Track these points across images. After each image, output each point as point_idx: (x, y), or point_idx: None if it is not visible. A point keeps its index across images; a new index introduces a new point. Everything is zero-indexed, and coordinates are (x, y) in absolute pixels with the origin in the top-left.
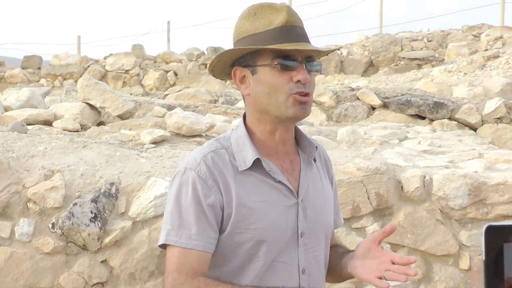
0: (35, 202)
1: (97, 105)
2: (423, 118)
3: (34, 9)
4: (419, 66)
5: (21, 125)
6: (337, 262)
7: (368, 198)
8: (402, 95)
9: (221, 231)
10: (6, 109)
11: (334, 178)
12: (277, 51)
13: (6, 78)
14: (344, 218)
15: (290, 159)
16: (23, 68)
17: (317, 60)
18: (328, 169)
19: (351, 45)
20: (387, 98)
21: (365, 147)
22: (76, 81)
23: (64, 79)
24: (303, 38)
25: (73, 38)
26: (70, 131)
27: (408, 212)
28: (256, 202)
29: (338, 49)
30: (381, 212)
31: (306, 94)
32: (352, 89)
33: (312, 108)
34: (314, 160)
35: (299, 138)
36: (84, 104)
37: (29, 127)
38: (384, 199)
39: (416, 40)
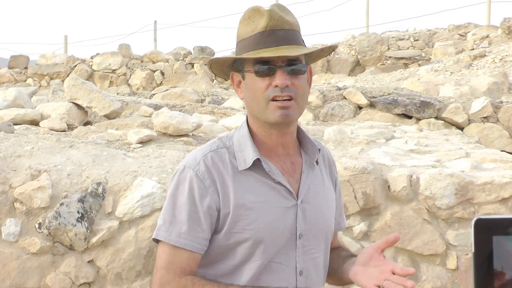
0: (21, 202)
1: (84, 105)
2: (410, 117)
3: (21, 8)
4: (406, 66)
5: (8, 125)
6: (339, 265)
7: (355, 197)
8: (389, 94)
9: (218, 230)
10: None
11: (338, 181)
12: (253, 58)
13: None
14: None
15: (291, 161)
16: (10, 67)
17: (303, 62)
18: (331, 172)
19: (338, 44)
20: (373, 97)
21: (352, 147)
22: (63, 81)
23: (51, 78)
24: (286, 41)
25: (60, 37)
26: (57, 131)
27: (395, 212)
28: (255, 203)
29: (327, 50)
30: (368, 211)
31: (290, 98)
32: (339, 89)
33: None
34: (317, 162)
35: (302, 140)
36: (71, 104)
37: (16, 127)
38: (371, 199)
39: (403, 39)
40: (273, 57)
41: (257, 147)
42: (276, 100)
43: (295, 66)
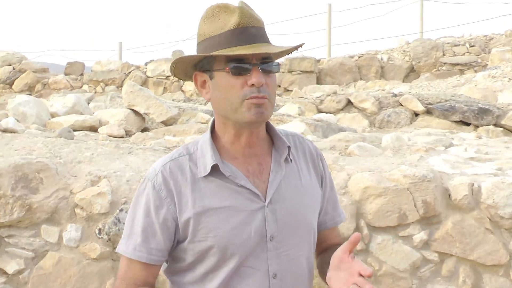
0: (82, 207)
1: (142, 111)
2: (467, 124)
3: (76, 16)
4: (461, 72)
5: (68, 131)
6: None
7: (415, 206)
8: (446, 101)
9: (181, 240)
10: (53, 115)
11: (326, 173)
12: (228, 56)
13: (50, 84)
14: (390, 226)
15: (258, 161)
16: (66, 74)
17: (275, 61)
18: (316, 166)
19: (392, 51)
20: (430, 104)
21: (410, 154)
22: (117, 87)
23: (106, 85)
24: (258, 38)
25: (115, 44)
26: (115, 137)
27: (456, 221)
28: (216, 209)
29: (297, 48)
30: (428, 220)
31: (263, 97)
32: (395, 95)
33: (354, 114)
34: (291, 160)
35: (273, 138)
36: (129, 110)
37: (75, 133)
38: (431, 207)
39: (458, 45)
40: (249, 55)
41: (220, 151)
42: (251, 99)
43: (269, 65)
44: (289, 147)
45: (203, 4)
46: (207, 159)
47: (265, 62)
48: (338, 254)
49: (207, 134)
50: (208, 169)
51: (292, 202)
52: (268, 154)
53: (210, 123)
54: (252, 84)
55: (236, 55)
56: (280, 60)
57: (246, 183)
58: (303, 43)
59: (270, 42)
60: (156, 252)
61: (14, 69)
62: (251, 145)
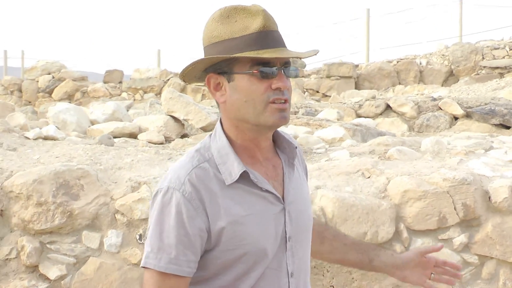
0: (122, 213)
1: (181, 118)
2: (507, 127)
3: (115, 24)
4: (501, 75)
5: (108, 138)
6: (359, 251)
7: (455, 209)
8: (486, 104)
9: (210, 248)
10: (93, 122)
11: (306, 168)
12: (255, 58)
13: (89, 92)
14: (430, 229)
15: (272, 164)
16: (105, 82)
17: (294, 66)
18: (300, 161)
19: (430, 55)
20: (469, 107)
21: (450, 158)
22: (156, 94)
23: (145, 92)
24: (280, 43)
25: (153, 52)
26: (155, 144)
27: (496, 223)
28: (245, 216)
29: (315, 54)
30: (468, 223)
31: (285, 101)
32: (434, 99)
33: (393, 118)
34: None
35: (276, 139)
36: (168, 116)
37: (115, 139)
38: (471, 210)
39: (498, 48)
40: (274, 58)
41: (239, 156)
42: (275, 103)
43: (293, 69)
44: (296, 147)
45: None
46: (230, 166)
47: (286, 67)
48: (414, 258)
49: (222, 139)
50: (235, 177)
51: (300, 202)
52: (275, 155)
53: (217, 128)
54: (278, 88)
55: (267, 58)
56: (318, 66)
57: (269, 188)
58: (318, 50)
59: (286, 47)
60: (190, 263)
61: (53, 77)
62: (266, 149)
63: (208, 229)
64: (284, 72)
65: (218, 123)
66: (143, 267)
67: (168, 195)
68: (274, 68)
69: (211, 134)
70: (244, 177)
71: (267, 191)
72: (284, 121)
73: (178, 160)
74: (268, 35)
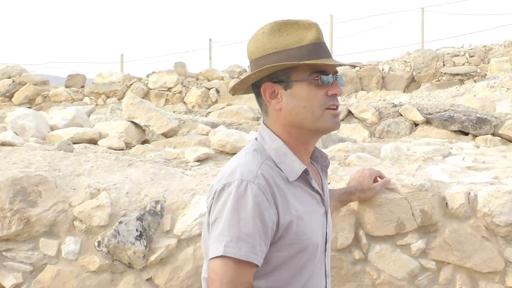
0: (81, 220)
1: (142, 124)
2: (466, 134)
3: (78, 28)
4: (461, 82)
5: (67, 144)
6: (341, 201)
7: (413, 215)
8: (445, 111)
9: (274, 242)
10: (52, 128)
11: None
12: (314, 66)
13: (51, 97)
14: (388, 235)
15: (314, 169)
16: (67, 86)
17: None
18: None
19: (393, 61)
20: (429, 114)
21: (409, 164)
22: (119, 99)
23: (107, 97)
24: (330, 54)
25: (116, 56)
26: (115, 150)
27: (453, 229)
28: (306, 212)
29: (360, 65)
30: (426, 229)
31: (337, 107)
32: (395, 105)
33: (354, 124)
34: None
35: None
36: (129, 122)
37: (75, 145)
38: (429, 216)
39: (458, 55)
40: (330, 67)
41: None
42: (330, 109)
43: (340, 77)
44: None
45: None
46: (290, 164)
47: (337, 75)
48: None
49: (278, 141)
50: (297, 174)
51: (329, 208)
52: (310, 163)
53: (266, 132)
54: (334, 94)
55: (324, 65)
56: None
57: (319, 189)
58: (361, 63)
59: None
60: (263, 254)
61: (13, 81)
62: (309, 154)
63: (278, 222)
64: (338, 80)
65: (265, 129)
66: (220, 256)
67: (242, 187)
68: (330, 76)
69: (255, 139)
70: (301, 176)
71: (317, 192)
72: (338, 126)
73: (237, 158)
74: (322, 46)
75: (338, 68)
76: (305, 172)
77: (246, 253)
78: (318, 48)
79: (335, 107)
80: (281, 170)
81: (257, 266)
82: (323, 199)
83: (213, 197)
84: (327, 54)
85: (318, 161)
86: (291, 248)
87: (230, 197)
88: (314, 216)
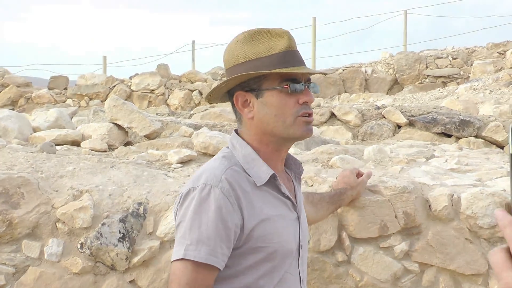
0: (64, 222)
1: (125, 125)
2: (449, 136)
3: (61, 30)
4: (444, 84)
5: (50, 145)
6: (332, 203)
7: (396, 217)
8: (428, 113)
9: (240, 246)
10: (35, 129)
11: None
12: (284, 74)
13: (33, 99)
14: (371, 238)
15: (286, 175)
16: (49, 88)
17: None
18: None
19: (376, 63)
20: (412, 116)
21: (392, 166)
22: (102, 101)
23: (90, 99)
24: (302, 61)
25: (99, 58)
26: (98, 151)
27: (436, 231)
28: (274, 216)
29: (333, 73)
30: (409, 231)
31: (310, 115)
32: (378, 108)
33: (337, 126)
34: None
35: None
36: (112, 124)
37: (58, 147)
38: (412, 218)
39: (441, 57)
40: (300, 75)
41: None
42: (302, 116)
43: (313, 85)
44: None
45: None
46: (258, 170)
47: (309, 83)
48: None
49: (247, 147)
50: (265, 179)
51: (304, 216)
52: (284, 170)
53: (236, 140)
54: (305, 102)
55: (295, 74)
56: None
57: (290, 194)
58: (335, 70)
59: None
60: (224, 257)
61: None
62: (282, 161)
63: (242, 226)
64: (308, 87)
65: (235, 137)
66: (179, 259)
67: (206, 191)
68: (302, 84)
69: (226, 147)
70: (269, 182)
71: (288, 197)
72: (311, 133)
73: (205, 164)
74: (293, 54)
75: (317, 75)
76: (273, 177)
77: (206, 255)
78: (290, 56)
79: (307, 115)
80: (249, 176)
81: (219, 269)
82: (294, 205)
83: (179, 202)
84: (299, 62)
85: (292, 168)
86: (258, 251)
87: (193, 201)
88: (284, 221)
